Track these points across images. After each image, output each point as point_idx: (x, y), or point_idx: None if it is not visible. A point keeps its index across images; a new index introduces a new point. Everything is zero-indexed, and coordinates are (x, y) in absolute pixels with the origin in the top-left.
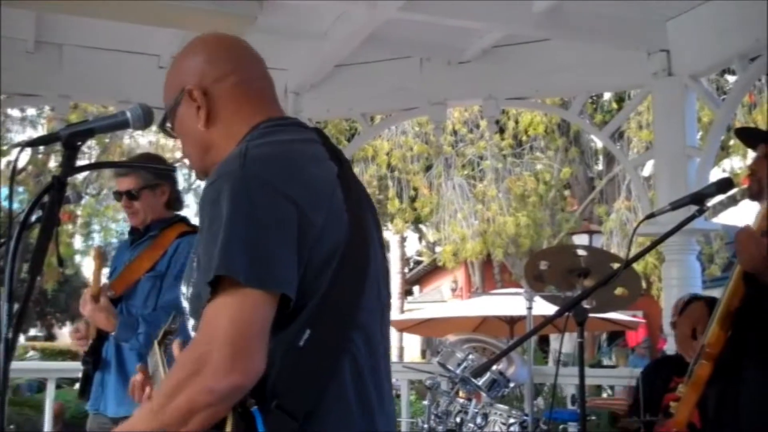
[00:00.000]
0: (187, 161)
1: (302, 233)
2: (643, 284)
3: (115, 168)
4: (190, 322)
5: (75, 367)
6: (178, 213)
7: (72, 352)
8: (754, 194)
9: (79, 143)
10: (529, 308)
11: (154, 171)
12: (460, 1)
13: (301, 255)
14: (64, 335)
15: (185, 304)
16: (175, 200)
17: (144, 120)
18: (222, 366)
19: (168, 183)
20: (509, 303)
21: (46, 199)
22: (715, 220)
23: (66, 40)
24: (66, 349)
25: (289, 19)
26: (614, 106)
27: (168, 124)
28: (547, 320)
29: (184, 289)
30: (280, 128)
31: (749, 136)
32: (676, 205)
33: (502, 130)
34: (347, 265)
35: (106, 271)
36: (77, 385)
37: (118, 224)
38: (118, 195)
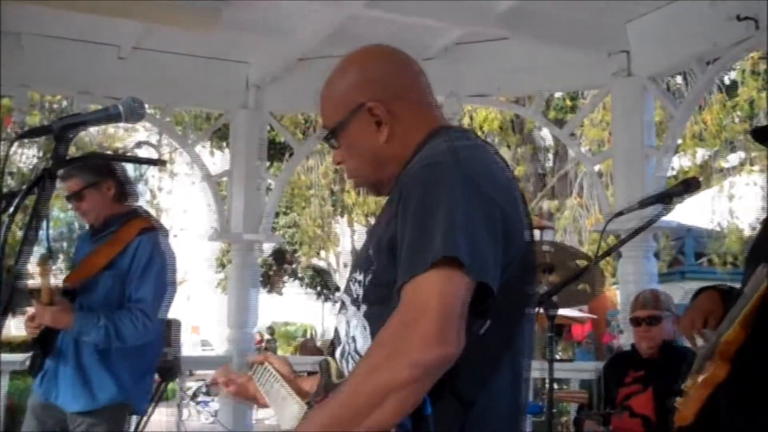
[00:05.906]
0: (348, 174)
1: (504, 235)
2: None
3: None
4: (360, 310)
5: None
6: (133, 205)
7: (13, 343)
8: None
9: (71, 135)
10: None
11: (93, 169)
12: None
13: (503, 254)
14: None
15: (357, 290)
16: (125, 193)
17: (136, 114)
18: (433, 336)
19: (111, 178)
20: None
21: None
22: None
23: (25, 29)
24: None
25: (254, 15)
26: (567, 103)
27: (333, 139)
28: None
29: (358, 275)
30: (463, 135)
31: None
32: (645, 204)
33: None
34: (524, 269)
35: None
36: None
37: (67, 214)
38: (68, 199)
